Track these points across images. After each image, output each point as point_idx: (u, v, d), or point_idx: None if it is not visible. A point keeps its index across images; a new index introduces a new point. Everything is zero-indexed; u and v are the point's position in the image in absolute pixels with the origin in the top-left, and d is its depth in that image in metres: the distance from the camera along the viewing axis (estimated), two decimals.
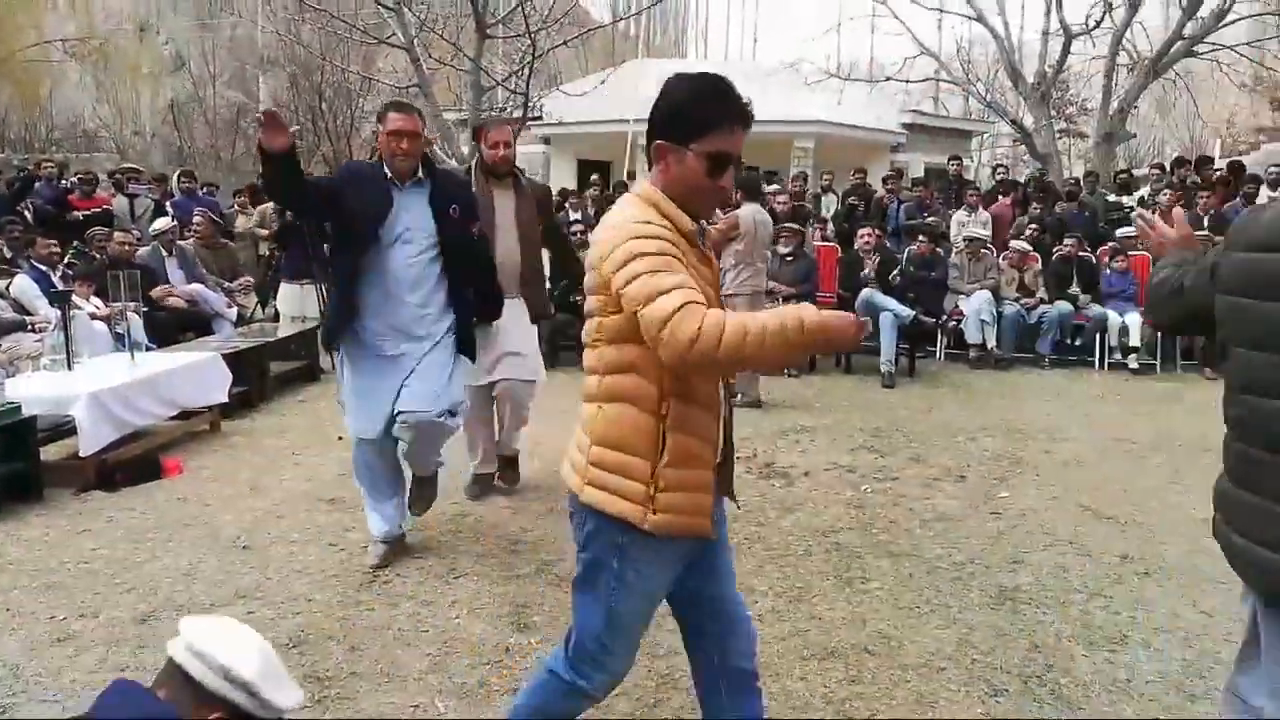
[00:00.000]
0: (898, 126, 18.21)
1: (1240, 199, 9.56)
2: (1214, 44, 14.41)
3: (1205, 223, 8.94)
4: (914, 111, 19.10)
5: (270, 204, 9.81)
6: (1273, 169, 10.55)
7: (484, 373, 4.24)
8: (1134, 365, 8.47)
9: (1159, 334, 8.60)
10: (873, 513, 4.48)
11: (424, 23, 9.69)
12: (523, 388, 4.46)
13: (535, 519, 4.30)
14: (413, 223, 3.52)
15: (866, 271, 8.36)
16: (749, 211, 6.63)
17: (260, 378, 6.79)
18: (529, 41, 9.19)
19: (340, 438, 5.72)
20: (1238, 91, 21.86)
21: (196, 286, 8.10)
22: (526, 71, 9.49)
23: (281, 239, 8.14)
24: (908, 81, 15.97)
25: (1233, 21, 14.05)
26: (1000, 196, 10.50)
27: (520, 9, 8.91)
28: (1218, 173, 11.05)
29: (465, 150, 9.66)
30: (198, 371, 5.77)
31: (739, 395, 6.57)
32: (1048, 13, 15.01)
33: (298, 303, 8.03)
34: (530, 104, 10.08)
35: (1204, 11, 13.64)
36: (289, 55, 19.65)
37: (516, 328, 4.31)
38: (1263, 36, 16.35)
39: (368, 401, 3.56)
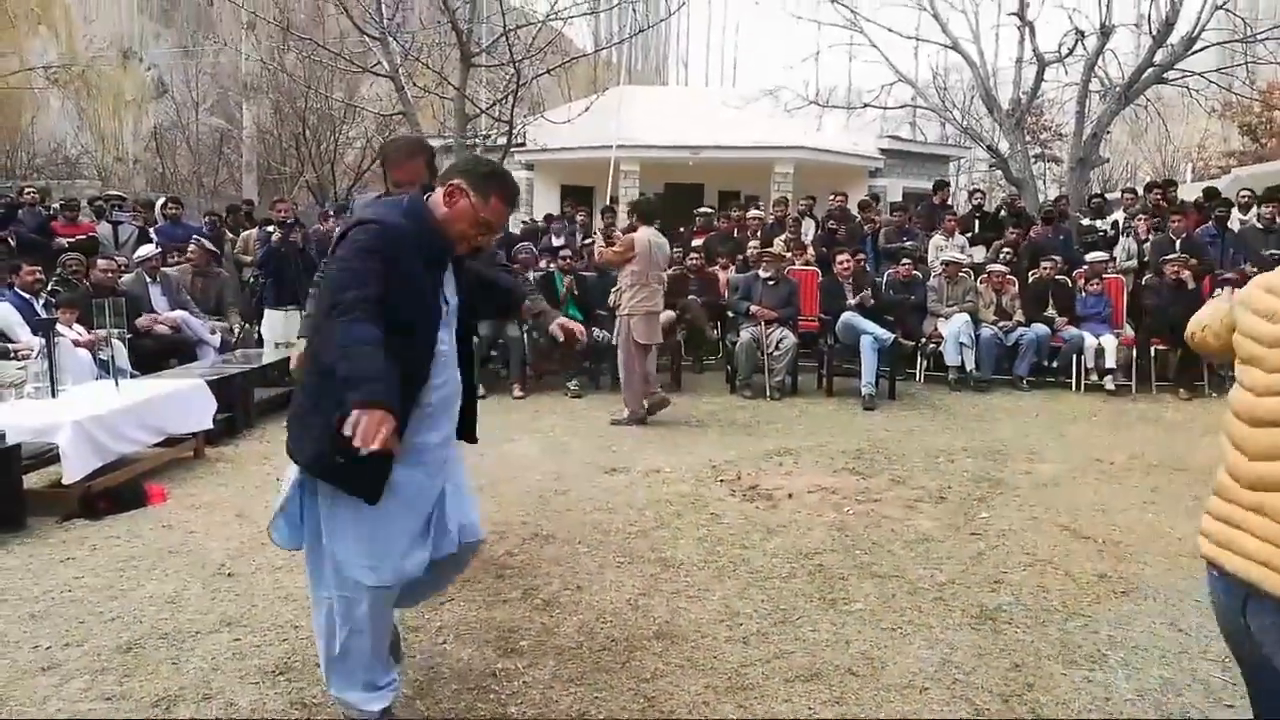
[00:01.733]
0: (876, 152, 18.48)
1: (1212, 222, 9.74)
2: (1184, 71, 14.73)
3: (1177, 246, 9.11)
4: (891, 137, 19.41)
5: (255, 230, 9.84)
6: (1244, 193, 10.79)
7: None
8: (1110, 386, 8.59)
9: (1134, 356, 8.74)
10: (855, 534, 4.53)
11: (409, 52, 9.78)
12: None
13: (520, 543, 4.32)
14: (450, 297, 2.62)
15: (854, 300, 8.43)
16: (644, 234, 6.83)
17: (245, 404, 6.79)
18: (513, 70, 9.29)
19: None
20: (1208, 117, 22.34)
21: (180, 313, 8.09)
22: (510, 99, 9.59)
23: (266, 265, 8.16)
24: (885, 108, 16.20)
25: (1201, 49, 14.36)
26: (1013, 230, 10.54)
27: (505, 38, 9.02)
28: (1182, 199, 11.26)
29: None
30: (182, 398, 5.76)
31: (629, 415, 6.90)
32: (1021, 41, 15.33)
33: (282, 328, 8.05)
34: (514, 131, 10.16)
35: (1174, 39, 13.95)
36: (273, 82, 19.70)
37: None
38: (1230, 64, 16.72)
39: (397, 529, 2.51)
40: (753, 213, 12.02)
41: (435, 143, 11.27)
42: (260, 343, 8.42)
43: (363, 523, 2.46)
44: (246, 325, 8.58)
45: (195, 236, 9.06)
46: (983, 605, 3.68)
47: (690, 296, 9.33)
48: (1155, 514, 4.91)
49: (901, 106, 16.74)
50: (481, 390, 7.86)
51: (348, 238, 2.38)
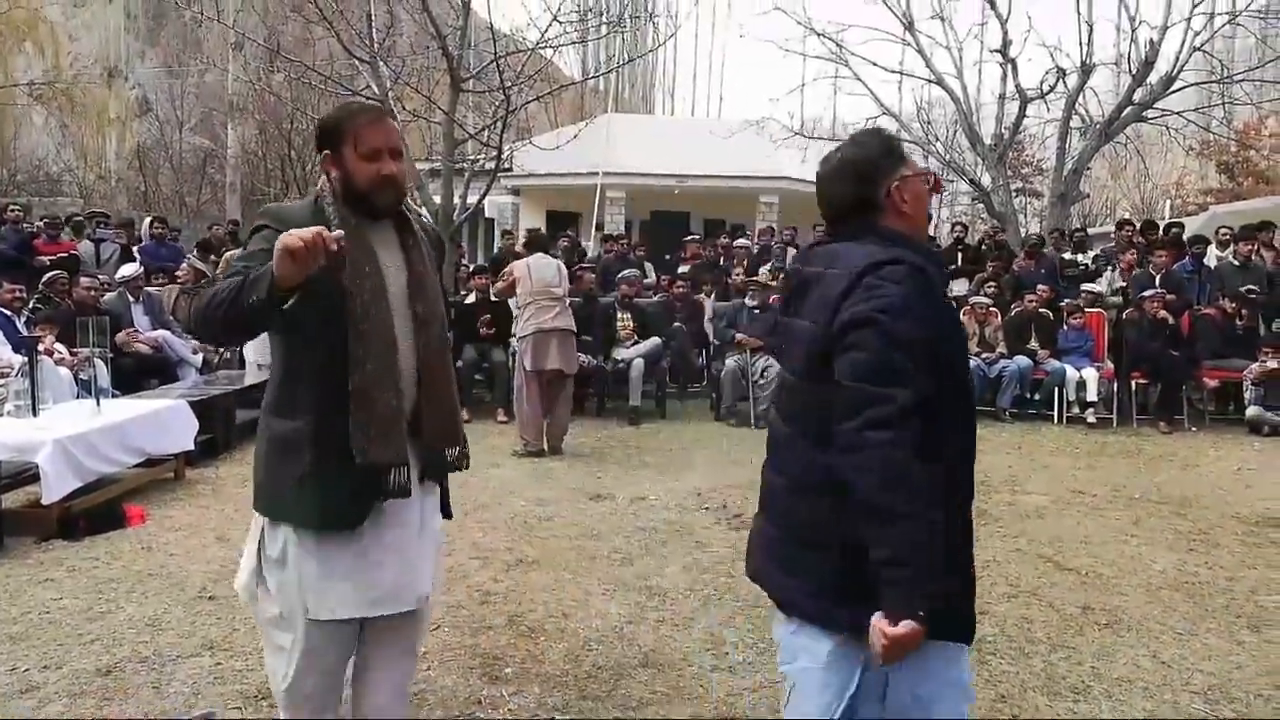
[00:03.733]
0: None
1: (1189, 259, 9.90)
2: (1163, 110, 15.01)
3: (1157, 281, 9.25)
4: None
5: (235, 251, 9.79)
6: (1223, 230, 10.97)
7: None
8: (1091, 419, 8.67)
9: (1115, 389, 8.84)
10: None
11: (398, 76, 9.84)
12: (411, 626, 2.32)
13: (505, 570, 4.29)
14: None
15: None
16: (523, 261, 6.97)
17: (226, 425, 6.73)
18: (502, 96, 9.36)
19: None
20: (1186, 155, 22.78)
21: (162, 333, 8.04)
22: (500, 125, 9.64)
23: None
24: None
25: (1180, 89, 14.66)
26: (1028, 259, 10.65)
27: (495, 65, 9.09)
28: (1160, 235, 11.45)
29: (437, 200, 9.75)
30: (163, 418, 5.71)
31: (524, 444, 6.84)
32: (1004, 78, 15.56)
33: (265, 350, 8.00)
34: (503, 156, 10.22)
35: (1153, 79, 14.23)
36: (259, 103, 19.72)
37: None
38: (1208, 104, 17.08)
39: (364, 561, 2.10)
40: (739, 241, 12.12)
41: (422, 166, 11.34)
42: (242, 364, 8.36)
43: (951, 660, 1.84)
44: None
45: (187, 256, 9.02)
46: None
47: (676, 324, 9.37)
48: (1136, 546, 4.94)
49: None
50: (466, 415, 7.97)
51: (869, 290, 1.63)
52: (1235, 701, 3.19)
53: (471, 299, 8.60)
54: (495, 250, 12.31)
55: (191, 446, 5.92)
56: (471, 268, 9.62)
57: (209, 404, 6.48)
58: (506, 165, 16.00)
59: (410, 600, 2.18)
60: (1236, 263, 9.54)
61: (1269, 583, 4.41)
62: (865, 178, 1.82)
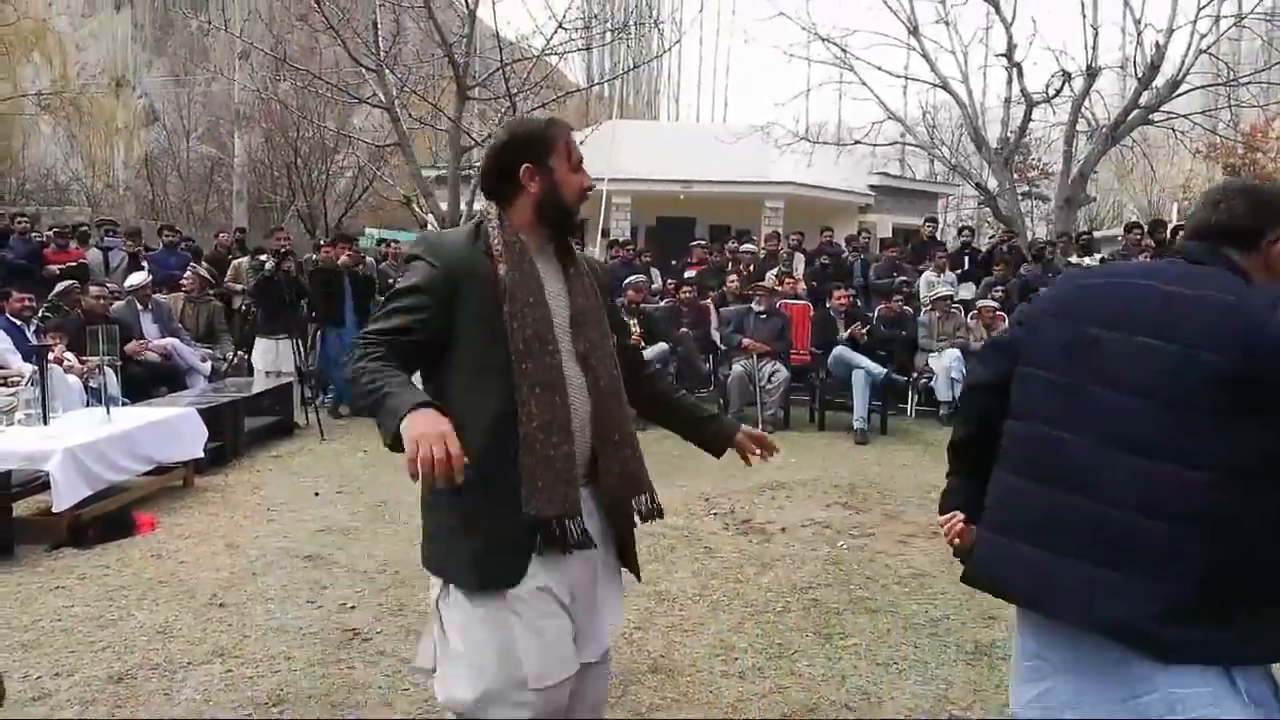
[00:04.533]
0: (866, 188, 18.68)
1: None
2: (1169, 113, 14.99)
3: None
4: (881, 174, 19.62)
5: (245, 259, 9.85)
6: None
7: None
8: None
9: None
10: (849, 569, 4.53)
11: (404, 83, 9.87)
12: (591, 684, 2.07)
13: None
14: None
15: (846, 334, 8.50)
16: None
17: (235, 433, 6.76)
18: (509, 103, 9.40)
19: (317, 494, 5.72)
20: (1193, 158, 22.73)
21: (171, 341, 8.07)
22: None
23: (260, 293, 8.17)
24: (875, 145, 16.39)
25: (1186, 92, 14.64)
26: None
27: (501, 72, 9.12)
28: (1169, 237, 11.42)
29: (444, 206, 9.78)
30: (173, 426, 5.73)
31: None
32: (1009, 81, 15.56)
33: (273, 357, 8.04)
34: None
35: (1159, 82, 14.21)
36: (265, 111, 19.81)
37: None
38: (1215, 106, 17.06)
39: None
40: (745, 246, 12.12)
41: (429, 173, 11.38)
42: (251, 371, 8.40)
43: None
44: (239, 353, 8.56)
45: (191, 264, 9.07)
46: (977, 641, 3.67)
47: (683, 330, 9.37)
48: None
49: (891, 144, 16.95)
50: None
51: None
52: None
53: None
54: None
55: (201, 454, 5.93)
56: None
57: (218, 412, 6.50)
58: None
59: (590, 654, 1.98)
60: None
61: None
62: (1272, 218, 1.74)
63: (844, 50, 15.71)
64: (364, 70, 9.89)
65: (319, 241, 10.17)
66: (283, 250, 7.89)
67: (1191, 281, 1.64)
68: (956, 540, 1.98)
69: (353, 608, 3.88)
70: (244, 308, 9.59)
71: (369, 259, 11.30)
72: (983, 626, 3.83)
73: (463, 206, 9.81)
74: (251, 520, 5.17)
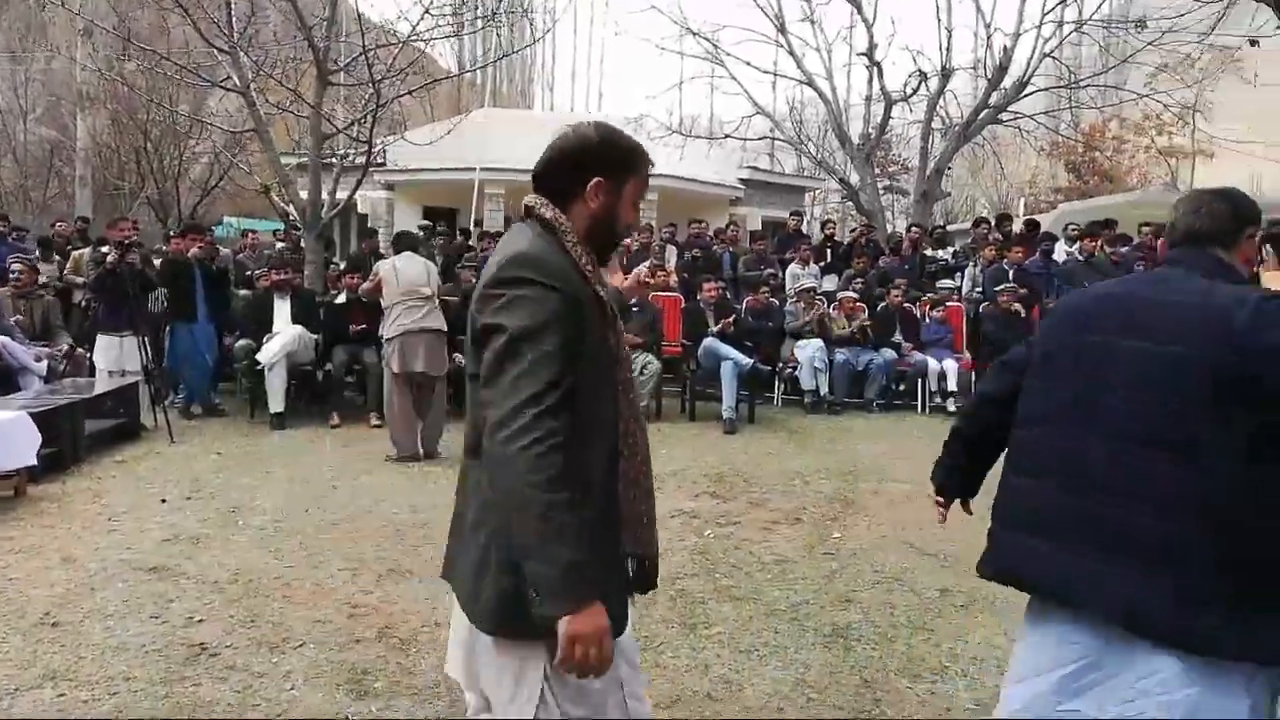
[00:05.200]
0: (736, 181, 19.03)
1: (1040, 255, 10.49)
2: (1016, 113, 15.89)
3: (1010, 275, 9.77)
4: (751, 168, 20.02)
5: (87, 250, 9.22)
6: (1071, 226, 11.70)
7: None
8: (952, 408, 9.10)
9: (974, 379, 9.30)
10: (715, 558, 4.61)
11: (261, 67, 9.41)
12: None
13: (376, 580, 4.18)
14: None
15: (716, 326, 8.65)
16: (388, 263, 6.87)
17: (73, 437, 6.31)
18: (372, 90, 9.10)
19: (164, 500, 5.41)
20: (1038, 156, 24.15)
21: (2, 339, 7.47)
22: (370, 119, 9.36)
23: (100, 288, 7.65)
24: (745, 139, 16.73)
25: (1031, 93, 15.55)
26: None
27: (364, 57, 8.81)
28: (1019, 232, 12.12)
29: (304, 195, 9.40)
30: (2, 431, 5.31)
31: (396, 450, 6.66)
32: (870, 80, 16.16)
33: (117, 355, 7.56)
34: (373, 151, 9.93)
35: (1007, 83, 15.03)
36: (111, 93, 18.54)
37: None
38: (1057, 107, 18.17)
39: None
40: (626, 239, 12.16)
41: (289, 161, 10.91)
42: (92, 371, 7.87)
43: None
44: (76, 350, 8.01)
45: (17, 255, 8.41)
46: (835, 624, 3.81)
47: None
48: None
49: (760, 138, 17.33)
50: (336, 419, 7.73)
51: None
52: None
53: (342, 299, 8.34)
54: (352, 251, 12.03)
55: (34, 461, 5.51)
56: (343, 266, 9.33)
57: (54, 415, 6.05)
58: (379, 160, 15.60)
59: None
60: (1082, 258, 10.17)
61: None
62: (1248, 218, 1.94)
63: (715, 45, 15.98)
64: (218, 52, 9.38)
65: (169, 232, 9.61)
66: (126, 241, 7.40)
67: (1185, 289, 1.81)
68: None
69: (200, 621, 3.69)
70: (84, 302, 8.98)
71: (225, 250, 10.77)
72: (840, 609, 3.98)
73: (324, 195, 9.44)
74: (90, 531, 4.85)
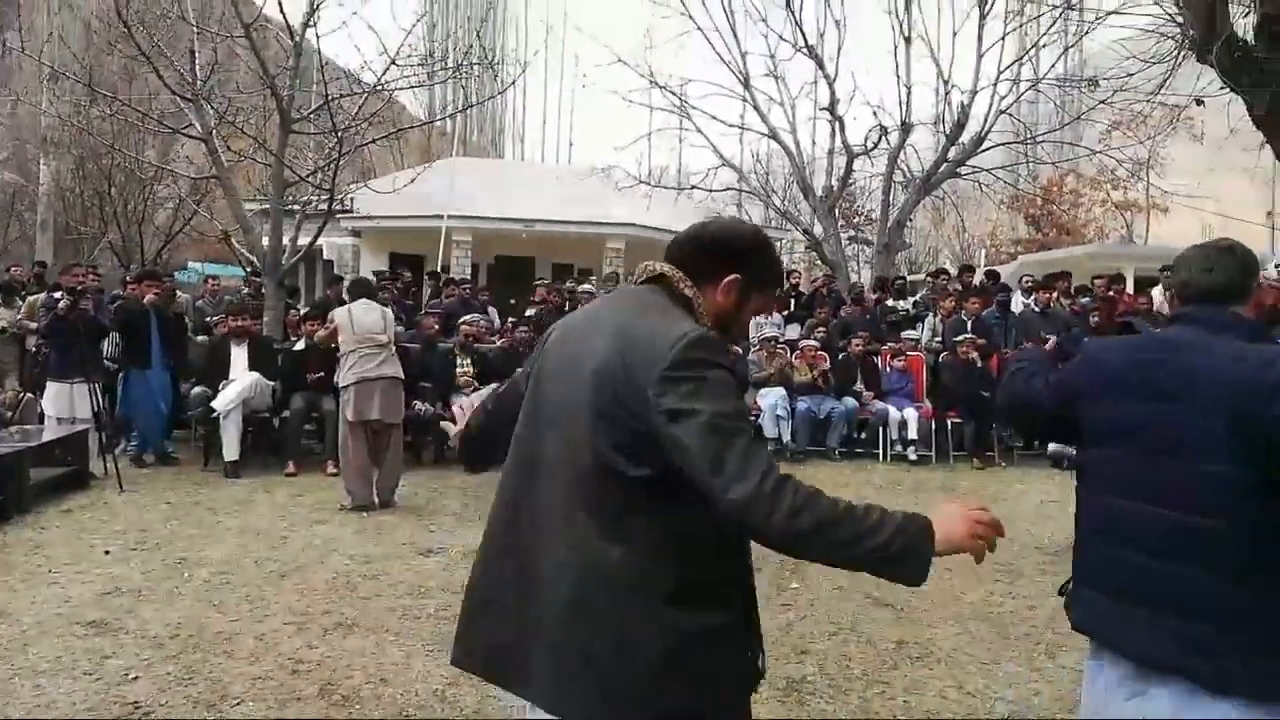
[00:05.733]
0: None
1: (997, 306, 10.65)
2: (975, 167, 16.25)
3: (969, 327, 9.90)
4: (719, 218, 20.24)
5: (40, 295, 9.08)
6: (1026, 278, 11.92)
7: None
8: (913, 456, 9.15)
9: (934, 428, 9.37)
10: None
11: (223, 115, 9.42)
12: None
13: (321, 635, 4.07)
14: None
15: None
16: (344, 309, 6.84)
17: (18, 486, 6.14)
18: (335, 138, 9.12)
19: (108, 551, 5.27)
20: (997, 209, 24.70)
21: None
22: (333, 167, 9.37)
23: (51, 334, 7.53)
24: (710, 190, 16.93)
25: (989, 148, 15.92)
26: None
27: (328, 106, 8.85)
28: (981, 283, 12.32)
29: (265, 242, 9.36)
30: None
31: (350, 498, 6.53)
32: (833, 134, 16.45)
33: (67, 403, 7.42)
34: (337, 199, 9.92)
35: (965, 138, 15.39)
36: (75, 138, 18.45)
37: None
38: (1015, 162, 18.64)
39: None
40: (584, 286, 12.22)
41: (252, 207, 10.90)
42: (41, 418, 7.71)
43: None
44: (24, 395, 7.84)
45: None
46: (789, 676, 3.76)
47: (520, 370, 9.29)
48: (949, 579, 5.19)
49: (726, 189, 17.54)
50: (292, 468, 7.60)
51: None
52: None
53: (301, 345, 8.27)
54: (317, 297, 11.98)
55: None
56: (303, 313, 9.26)
57: None
58: (347, 208, 15.61)
59: None
60: (1038, 309, 10.34)
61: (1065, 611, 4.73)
62: (1253, 269, 2.00)
63: (681, 100, 16.22)
64: (181, 100, 9.37)
65: (126, 277, 9.50)
66: (79, 287, 7.30)
67: (1215, 351, 1.86)
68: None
69: (135, 678, 3.56)
70: (36, 348, 8.82)
71: (185, 296, 10.66)
72: (795, 661, 3.93)
73: (285, 241, 9.40)
74: (29, 583, 4.70)
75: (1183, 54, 9.12)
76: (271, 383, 7.99)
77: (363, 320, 6.62)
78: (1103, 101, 15.00)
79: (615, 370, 1.53)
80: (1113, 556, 1.94)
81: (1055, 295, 10.60)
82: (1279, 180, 22.61)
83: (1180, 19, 8.80)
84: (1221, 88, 8.93)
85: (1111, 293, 11.00)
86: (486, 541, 1.74)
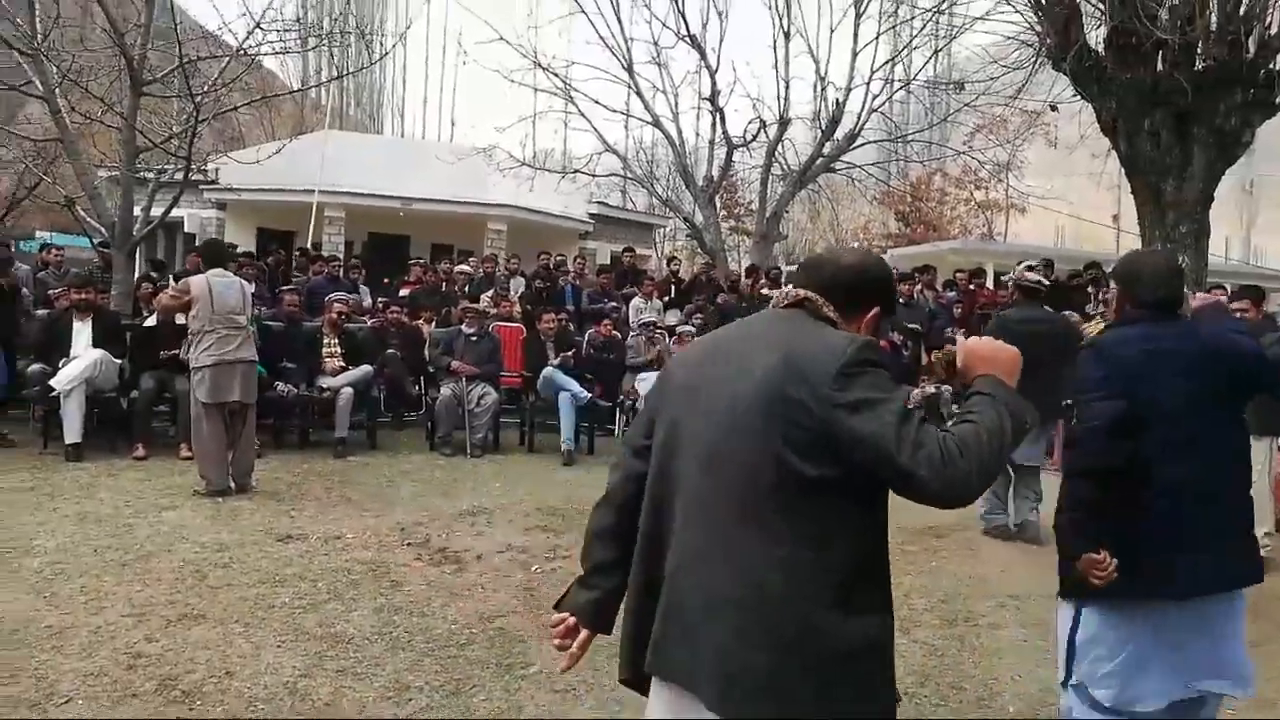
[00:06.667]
0: (586, 215, 19.16)
1: None
2: (848, 163, 16.75)
3: None
4: (601, 203, 20.23)
5: None
6: (894, 270, 12.35)
7: None
8: None
9: None
10: (541, 595, 4.47)
11: (67, 74, 8.70)
12: None
13: (163, 627, 3.82)
14: None
15: (555, 359, 8.60)
16: (203, 278, 6.32)
17: None
18: (192, 104, 8.57)
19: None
20: (870, 204, 25.55)
21: None
22: (189, 134, 8.81)
23: None
24: (594, 175, 16.86)
25: (861, 145, 16.44)
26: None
27: (182, 69, 8.29)
28: None
29: (111, 207, 8.71)
30: None
31: (205, 483, 6.16)
32: (714, 125, 16.64)
33: None
34: (195, 168, 9.34)
35: (839, 135, 15.83)
36: None
37: None
38: (887, 159, 19.31)
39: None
40: (460, 267, 11.97)
41: (102, 173, 10.14)
42: None
43: None
44: None
45: None
46: None
47: (390, 350, 9.02)
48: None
49: (609, 175, 17.51)
50: (141, 450, 7.14)
51: None
52: None
53: (152, 321, 7.76)
54: (177, 270, 11.34)
55: None
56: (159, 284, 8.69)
57: None
58: (210, 179, 14.76)
59: None
60: (902, 301, 10.74)
61: (920, 587, 4.91)
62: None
63: (565, 82, 16.06)
64: (19, 55, 8.61)
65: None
66: None
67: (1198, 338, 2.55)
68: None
69: None
70: None
71: (23, 267, 9.86)
72: None
73: (137, 211, 8.78)
74: None
75: (1040, 61, 9.60)
76: (119, 361, 7.48)
77: (224, 297, 6.22)
78: (968, 104, 15.71)
79: (789, 377, 1.62)
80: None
81: (920, 287, 11.03)
82: (1124, 185, 24.19)
83: (1039, 28, 9.25)
84: (1074, 95, 9.47)
85: (972, 286, 11.55)
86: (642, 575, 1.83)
